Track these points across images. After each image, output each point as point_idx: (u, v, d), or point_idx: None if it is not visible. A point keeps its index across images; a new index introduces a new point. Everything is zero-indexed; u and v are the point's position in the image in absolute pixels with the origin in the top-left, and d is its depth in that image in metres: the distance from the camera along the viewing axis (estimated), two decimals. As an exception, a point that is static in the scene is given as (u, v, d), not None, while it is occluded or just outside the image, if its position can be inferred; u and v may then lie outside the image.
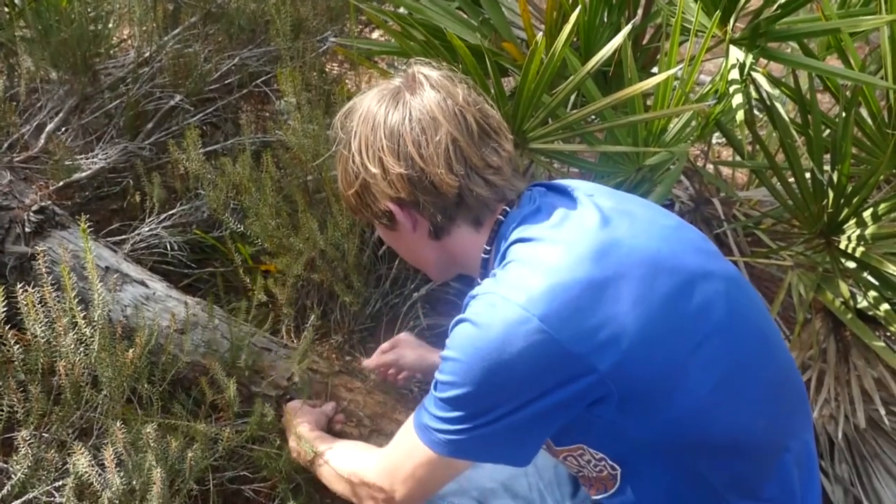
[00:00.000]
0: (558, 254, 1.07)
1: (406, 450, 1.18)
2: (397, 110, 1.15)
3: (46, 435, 1.32)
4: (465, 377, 1.05)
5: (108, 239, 1.94)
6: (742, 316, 1.15)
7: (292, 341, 1.94)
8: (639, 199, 1.27)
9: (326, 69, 2.56)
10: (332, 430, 1.62)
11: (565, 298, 1.03)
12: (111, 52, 2.20)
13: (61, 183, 1.94)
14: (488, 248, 1.20)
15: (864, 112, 1.88)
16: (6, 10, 2.11)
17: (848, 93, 1.78)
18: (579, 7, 1.66)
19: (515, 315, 1.02)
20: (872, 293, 1.78)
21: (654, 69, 1.90)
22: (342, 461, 1.36)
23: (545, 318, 1.01)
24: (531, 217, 1.15)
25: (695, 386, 1.06)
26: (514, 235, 1.14)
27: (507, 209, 1.18)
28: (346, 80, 2.63)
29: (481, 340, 1.04)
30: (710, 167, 2.55)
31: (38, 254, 1.27)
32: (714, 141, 3.01)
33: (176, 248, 2.02)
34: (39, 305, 1.26)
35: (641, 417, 1.07)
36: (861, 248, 1.74)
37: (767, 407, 1.15)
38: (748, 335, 1.15)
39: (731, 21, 1.75)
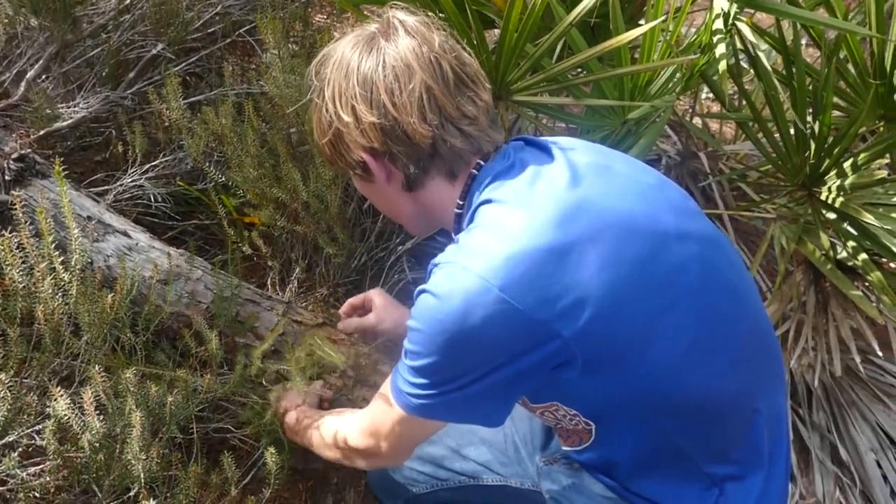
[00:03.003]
0: (521, 219, 1.06)
1: (384, 410, 1.19)
2: (371, 57, 1.12)
3: (27, 380, 1.33)
4: (429, 348, 1.06)
5: (91, 189, 1.93)
6: (717, 278, 1.14)
7: (277, 294, 1.95)
8: (621, 154, 1.24)
9: (311, 20, 2.52)
10: (322, 407, 1.62)
11: (526, 266, 1.01)
12: (92, -2, 2.16)
13: (42, 132, 1.92)
14: (461, 202, 1.17)
15: (851, 68, 1.88)
16: (-16, -45, 2.08)
17: (831, 40, 1.77)
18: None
19: (475, 285, 1.01)
20: (851, 243, 1.79)
21: (642, 21, 1.88)
22: (329, 429, 1.37)
23: (505, 287, 1.00)
24: (502, 175, 1.13)
25: (663, 349, 1.06)
26: (484, 195, 1.12)
27: (482, 163, 1.16)
28: (333, 32, 2.60)
29: (441, 312, 1.03)
30: (696, 121, 2.55)
31: (15, 199, 1.26)
32: (703, 96, 3.00)
33: (160, 199, 2.01)
34: (17, 251, 1.26)
35: (607, 379, 1.07)
36: (841, 199, 1.75)
37: (739, 371, 1.15)
38: (722, 298, 1.14)
39: (717, -31, 1.73)
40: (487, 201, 1.11)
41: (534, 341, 1.03)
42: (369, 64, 1.12)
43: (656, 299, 1.06)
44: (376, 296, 1.67)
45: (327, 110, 1.16)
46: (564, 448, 1.28)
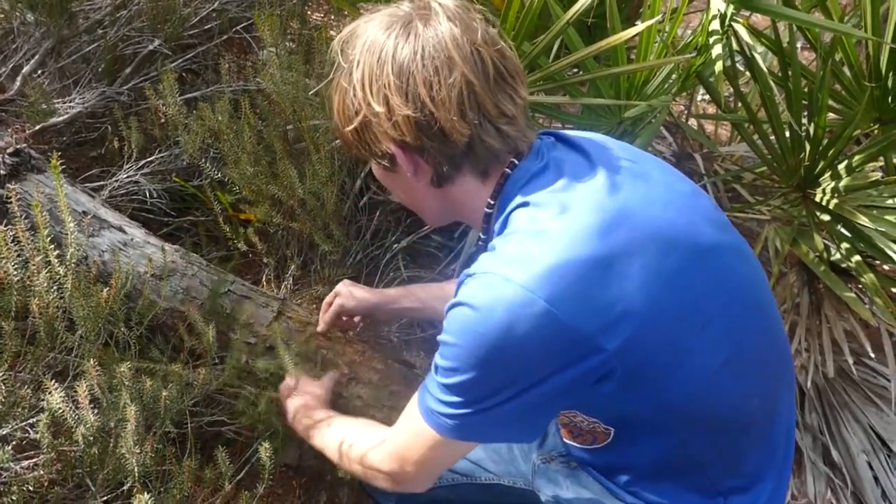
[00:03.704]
0: (563, 226, 1.00)
1: (413, 433, 1.13)
2: (408, 43, 1.03)
3: (21, 374, 1.33)
4: (468, 363, 1.00)
5: (87, 185, 1.93)
6: (749, 294, 1.12)
7: (273, 291, 1.95)
8: (652, 157, 1.19)
9: (308, 18, 2.52)
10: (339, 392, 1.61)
11: (572, 277, 0.96)
12: (88, -6, 2.16)
13: (38, 127, 1.92)
14: (492, 202, 1.11)
15: (846, 70, 1.89)
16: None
17: (827, 43, 1.79)
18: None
19: (519, 297, 0.96)
20: (845, 245, 1.80)
21: (639, 22, 1.89)
22: (350, 444, 1.31)
23: (551, 298, 0.95)
24: (538, 176, 1.07)
25: (699, 366, 1.03)
26: (519, 199, 1.06)
27: (516, 161, 1.10)
28: (330, 31, 2.60)
29: (483, 325, 0.98)
30: (692, 122, 2.56)
31: (11, 193, 1.26)
32: (699, 98, 3.01)
33: (155, 195, 2.01)
34: (12, 244, 1.26)
35: (640, 394, 1.04)
36: (835, 201, 1.76)
37: (764, 385, 1.14)
38: (753, 314, 1.12)
39: (714, -30, 1.74)
40: (524, 205, 1.05)
41: (577, 355, 0.98)
42: (406, 51, 1.03)
43: (695, 314, 1.03)
44: (339, 285, 1.67)
45: (355, 96, 1.07)
46: (568, 442, 1.27)
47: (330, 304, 1.68)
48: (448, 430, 1.07)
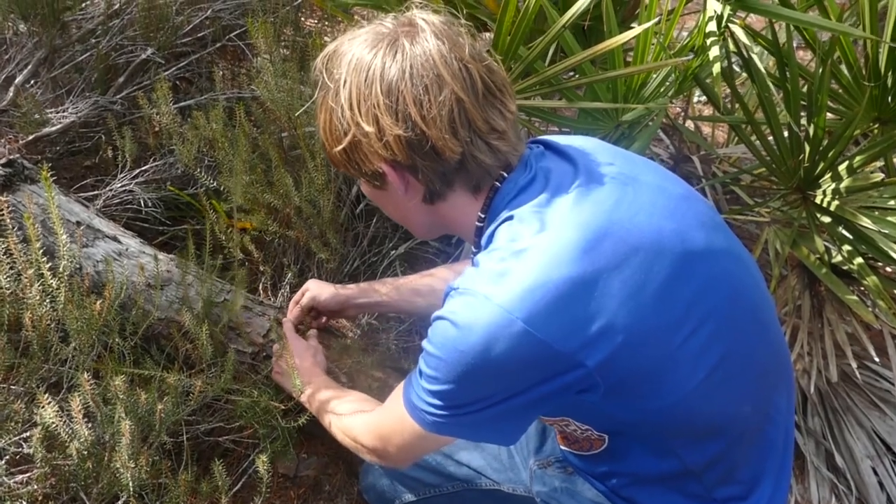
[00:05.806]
0: (545, 244, 1.00)
1: (396, 420, 1.15)
2: (396, 62, 1.02)
3: (15, 387, 1.31)
4: (448, 375, 1.02)
5: (81, 194, 1.92)
6: (742, 298, 1.10)
7: (269, 299, 1.94)
8: (646, 161, 1.18)
9: (302, 25, 2.52)
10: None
11: (551, 297, 0.96)
12: (81, 3, 2.15)
13: (31, 137, 1.91)
14: (483, 215, 1.11)
15: (845, 70, 1.87)
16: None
17: (825, 42, 1.77)
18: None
19: (497, 317, 0.96)
20: (846, 247, 1.78)
21: (634, 24, 1.88)
22: (343, 419, 1.35)
23: (529, 319, 0.96)
24: (525, 189, 1.07)
25: (684, 377, 1.03)
26: (505, 213, 1.06)
27: (504, 174, 1.09)
28: (325, 38, 2.59)
29: (463, 343, 0.99)
30: (689, 124, 2.55)
31: (2, 204, 1.24)
32: (696, 99, 3.00)
33: (150, 204, 2.00)
34: (5, 256, 1.24)
35: (627, 404, 1.04)
36: (836, 202, 1.74)
37: (757, 392, 1.13)
38: (746, 320, 1.11)
39: (710, -28, 1.73)
40: (508, 219, 1.05)
41: (556, 371, 0.99)
42: (394, 70, 1.02)
43: (681, 325, 1.02)
44: (309, 282, 1.70)
45: (343, 116, 1.06)
46: (564, 449, 1.27)
47: (297, 302, 1.69)
48: (427, 424, 1.09)
